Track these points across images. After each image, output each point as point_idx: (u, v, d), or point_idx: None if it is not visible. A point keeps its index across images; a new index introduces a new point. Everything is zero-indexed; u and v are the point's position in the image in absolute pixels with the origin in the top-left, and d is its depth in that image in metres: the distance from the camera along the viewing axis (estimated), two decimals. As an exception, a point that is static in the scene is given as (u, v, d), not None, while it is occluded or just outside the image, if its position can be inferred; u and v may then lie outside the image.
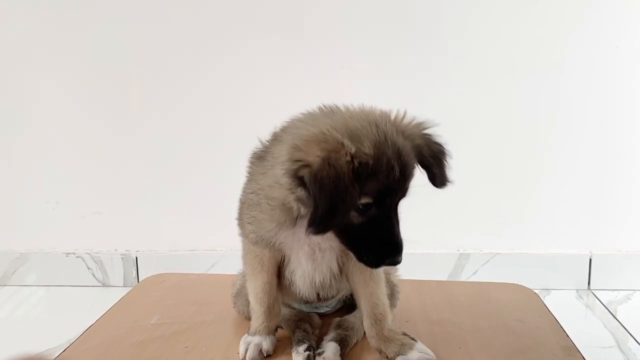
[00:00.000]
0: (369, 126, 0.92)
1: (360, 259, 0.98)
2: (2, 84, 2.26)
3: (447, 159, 1.02)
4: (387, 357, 1.13)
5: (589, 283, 2.29)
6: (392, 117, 1.00)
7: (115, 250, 2.36)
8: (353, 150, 0.88)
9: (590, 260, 2.28)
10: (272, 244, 1.06)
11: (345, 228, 0.95)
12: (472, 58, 2.17)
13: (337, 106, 1.01)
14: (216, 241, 2.31)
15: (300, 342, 1.14)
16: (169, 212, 2.32)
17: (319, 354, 1.11)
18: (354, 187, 0.88)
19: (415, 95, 2.18)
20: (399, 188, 0.94)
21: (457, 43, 2.16)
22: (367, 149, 0.89)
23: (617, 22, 2.13)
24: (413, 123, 1.01)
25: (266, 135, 1.10)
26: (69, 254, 2.35)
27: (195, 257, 2.32)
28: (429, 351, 1.12)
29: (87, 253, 2.35)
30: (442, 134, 1.03)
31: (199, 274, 1.77)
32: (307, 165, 0.88)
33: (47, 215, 2.34)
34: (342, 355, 1.14)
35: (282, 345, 1.20)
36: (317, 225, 0.89)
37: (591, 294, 2.25)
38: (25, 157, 2.31)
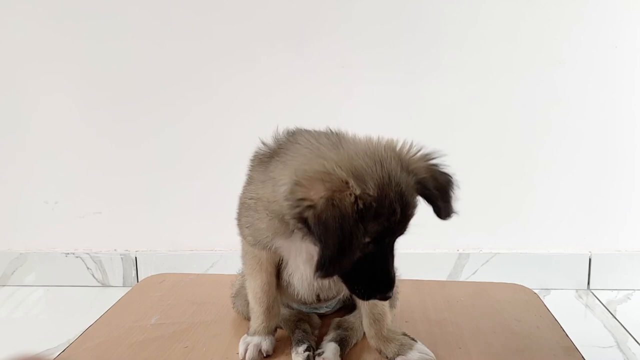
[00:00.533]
0: (374, 165, 0.90)
1: (352, 291, 0.98)
2: (3, 84, 2.26)
3: (454, 190, 1.01)
4: (386, 357, 1.13)
5: (588, 283, 2.29)
6: (398, 148, 0.97)
7: (115, 250, 2.36)
8: (358, 191, 0.86)
9: (590, 260, 2.28)
10: (269, 248, 1.05)
11: None
12: (471, 57, 2.17)
13: (343, 136, 0.98)
14: (215, 241, 2.31)
15: (299, 342, 1.14)
16: (168, 212, 2.31)
17: (319, 354, 1.11)
18: (359, 228, 0.86)
19: (414, 93, 2.18)
20: (399, 229, 0.94)
21: (456, 41, 2.15)
22: (372, 190, 0.88)
23: (616, 21, 2.13)
24: (418, 155, 0.98)
25: (267, 135, 1.09)
26: (68, 254, 2.35)
27: (195, 257, 2.32)
28: (429, 351, 1.12)
29: (87, 253, 2.35)
30: (449, 161, 1.01)
31: (198, 274, 1.77)
32: (311, 206, 0.86)
33: (46, 215, 2.34)
34: (341, 355, 1.14)
35: (281, 345, 1.20)
36: (326, 269, 0.87)
37: (591, 293, 2.25)
38: (24, 157, 2.31)
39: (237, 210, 1.11)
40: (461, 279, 2.29)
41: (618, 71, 2.17)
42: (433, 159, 1.00)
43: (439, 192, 0.98)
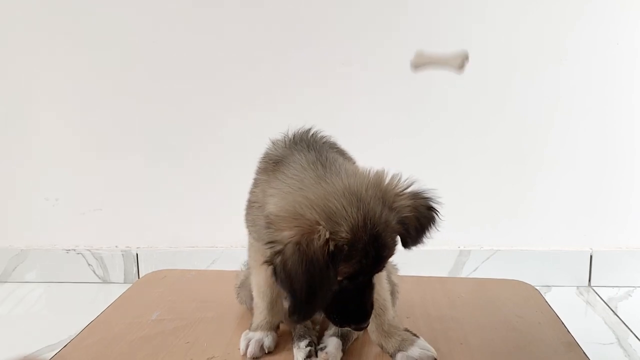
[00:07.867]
0: (350, 206, 0.88)
1: (327, 317, 0.99)
2: (3, 82, 2.25)
3: (432, 229, 1.00)
4: (387, 352, 1.13)
5: (589, 280, 2.29)
6: (385, 183, 0.94)
7: (116, 246, 2.36)
8: (328, 234, 0.86)
9: (591, 256, 2.28)
10: None
11: None
12: (472, 54, 2.15)
13: (332, 166, 0.96)
14: (217, 238, 2.31)
15: (301, 337, 1.14)
16: (169, 209, 2.31)
17: (321, 349, 1.11)
18: (329, 270, 0.86)
19: (413, 91, 2.18)
20: (373, 270, 0.94)
21: (456, 39, 2.15)
22: (344, 233, 0.87)
23: (618, 18, 2.12)
24: (406, 193, 0.95)
25: (267, 134, 1.09)
26: (69, 250, 2.35)
27: (196, 254, 2.32)
28: (430, 347, 1.12)
29: (88, 250, 2.35)
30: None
31: (200, 270, 1.78)
32: (279, 252, 0.86)
33: (47, 211, 2.33)
34: (343, 350, 1.14)
35: (283, 340, 1.20)
36: (299, 314, 0.89)
37: (592, 290, 2.25)
38: (25, 154, 2.31)
39: (246, 206, 1.12)
40: (462, 276, 2.28)
41: (619, 69, 2.16)
42: (421, 197, 0.97)
43: (416, 232, 0.97)
